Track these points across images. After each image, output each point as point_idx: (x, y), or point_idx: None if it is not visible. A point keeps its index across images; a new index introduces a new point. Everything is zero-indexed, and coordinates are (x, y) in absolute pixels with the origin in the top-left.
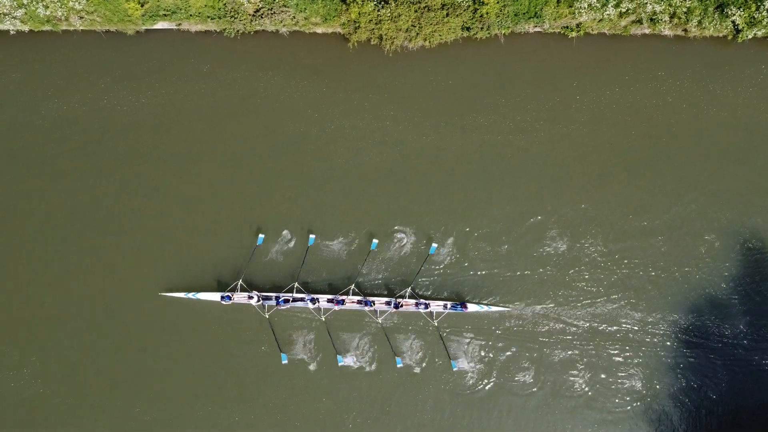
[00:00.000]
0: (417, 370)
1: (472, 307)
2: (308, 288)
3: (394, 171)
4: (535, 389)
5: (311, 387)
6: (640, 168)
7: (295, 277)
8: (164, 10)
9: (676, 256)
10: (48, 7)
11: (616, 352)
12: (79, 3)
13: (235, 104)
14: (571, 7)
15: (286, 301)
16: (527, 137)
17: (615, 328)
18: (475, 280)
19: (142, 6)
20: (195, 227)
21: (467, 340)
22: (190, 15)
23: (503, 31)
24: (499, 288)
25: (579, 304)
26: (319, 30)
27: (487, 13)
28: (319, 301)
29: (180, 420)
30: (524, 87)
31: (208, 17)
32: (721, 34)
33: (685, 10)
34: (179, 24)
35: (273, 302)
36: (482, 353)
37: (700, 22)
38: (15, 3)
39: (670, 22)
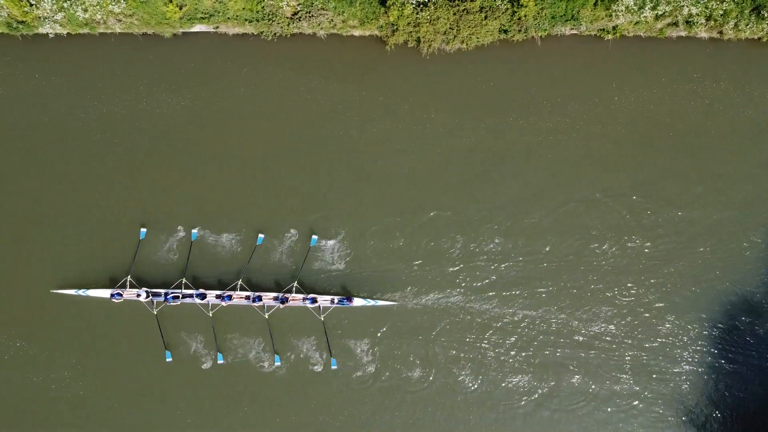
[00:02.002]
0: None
1: (357, 302)
2: (197, 283)
3: (433, 172)
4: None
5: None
6: (679, 169)
7: (183, 273)
8: (202, 13)
9: (719, 261)
10: (87, 10)
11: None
12: (118, 6)
13: (274, 107)
14: (608, 9)
15: (175, 297)
16: (567, 138)
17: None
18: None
19: (180, 9)
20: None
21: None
22: (228, 18)
23: (540, 34)
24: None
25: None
26: (356, 33)
27: (525, 16)
28: (206, 297)
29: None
30: (562, 89)
31: (246, 20)
32: (756, 36)
33: (721, 12)
34: (216, 27)
35: (161, 299)
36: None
37: (736, 24)
38: (55, 6)
39: (706, 24)
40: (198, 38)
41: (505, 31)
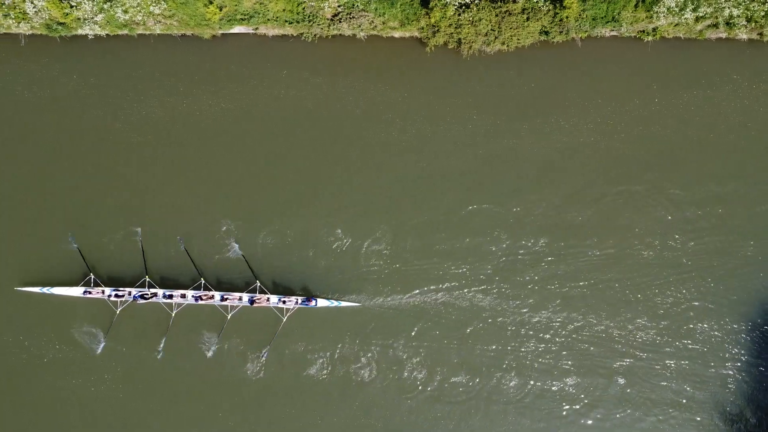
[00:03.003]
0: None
1: (321, 302)
2: (162, 283)
3: (473, 173)
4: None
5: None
6: (722, 166)
7: (147, 272)
8: (242, 14)
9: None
10: (127, 11)
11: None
12: (158, 7)
13: (314, 110)
14: (649, 11)
15: (143, 297)
16: (608, 139)
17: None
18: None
19: (220, 10)
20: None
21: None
22: (268, 19)
23: (580, 35)
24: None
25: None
26: (396, 34)
27: (567, 17)
28: (173, 296)
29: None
30: (602, 90)
31: (286, 21)
32: None
33: (762, 13)
34: (256, 28)
35: (128, 297)
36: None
37: None
38: (96, 7)
39: (747, 25)
40: (237, 39)
41: (546, 33)
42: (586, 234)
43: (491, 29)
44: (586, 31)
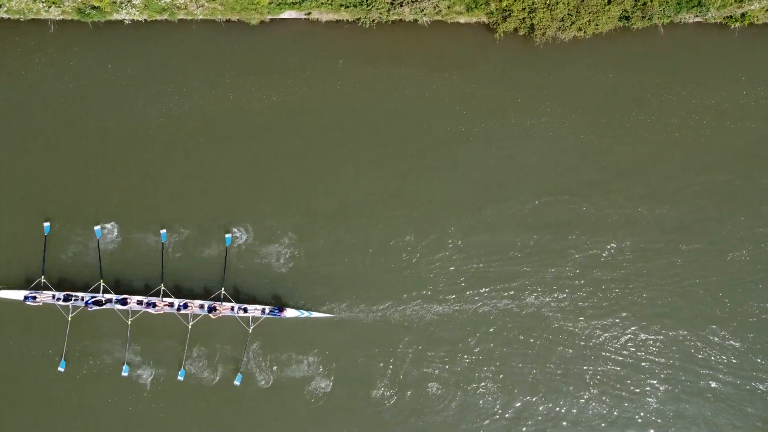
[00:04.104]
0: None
1: (290, 313)
2: (118, 288)
3: (542, 171)
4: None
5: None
6: None
7: (101, 275)
8: None
9: None
10: None
11: None
12: None
13: (374, 102)
14: None
15: (97, 303)
16: (694, 134)
17: None
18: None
19: None
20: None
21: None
22: (321, 3)
23: (663, 21)
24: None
25: None
26: (462, 20)
27: (651, 1)
28: (128, 302)
29: None
30: (687, 81)
31: (342, 6)
32: None
33: None
34: (308, 13)
35: (80, 303)
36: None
37: None
38: None
39: None
40: (287, 26)
41: (627, 18)
42: (682, 237)
43: (568, 14)
44: (669, 17)
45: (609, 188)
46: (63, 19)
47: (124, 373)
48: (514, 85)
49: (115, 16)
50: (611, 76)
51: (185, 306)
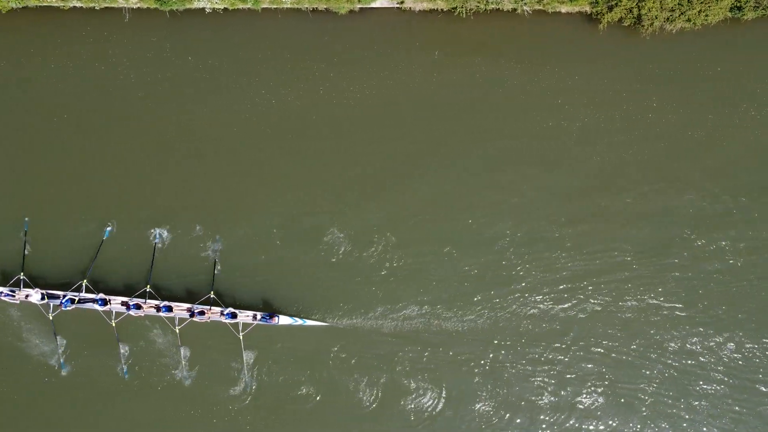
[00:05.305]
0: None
1: (284, 320)
2: (101, 288)
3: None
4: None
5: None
6: None
7: (85, 274)
8: None
9: None
10: None
11: None
12: None
13: (473, 95)
14: None
15: (72, 301)
16: None
17: None
18: None
19: None
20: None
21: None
22: None
23: None
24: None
25: None
26: (564, 9)
27: None
28: (110, 303)
29: None
30: None
31: None
32: None
33: None
34: (401, 2)
35: (58, 302)
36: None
37: None
38: None
39: None
40: (378, 15)
41: (738, 8)
42: None
43: (678, 3)
44: None
45: (715, 185)
46: (138, 8)
47: (126, 376)
48: (617, 78)
49: (195, 4)
50: (719, 70)
51: (169, 309)
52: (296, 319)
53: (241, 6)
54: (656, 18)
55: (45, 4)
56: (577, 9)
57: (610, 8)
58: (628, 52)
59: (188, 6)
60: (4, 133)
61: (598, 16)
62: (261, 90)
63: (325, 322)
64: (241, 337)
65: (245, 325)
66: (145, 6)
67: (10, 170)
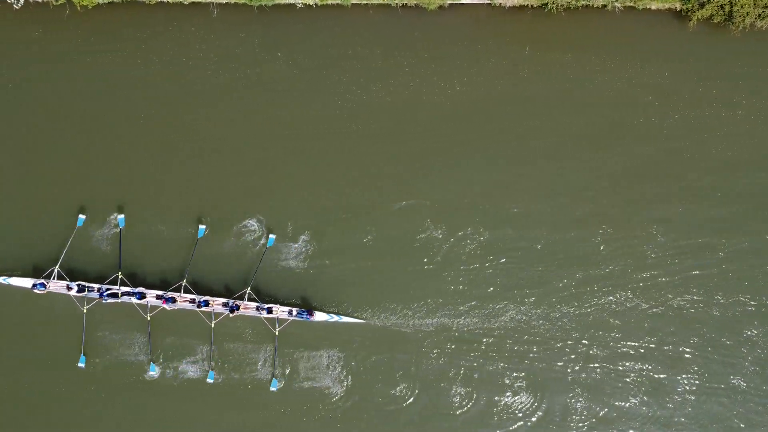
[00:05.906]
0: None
1: (319, 316)
2: (135, 281)
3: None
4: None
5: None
6: None
7: (118, 267)
8: None
9: None
10: None
11: None
12: None
13: (564, 92)
14: None
15: (113, 294)
16: None
17: None
18: None
19: None
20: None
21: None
22: None
23: None
24: None
25: None
26: (654, 6)
27: None
28: (146, 297)
29: None
30: None
31: None
32: None
33: None
34: None
35: (95, 294)
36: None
37: None
38: None
39: None
40: (468, 11)
41: None
42: None
43: None
44: None
45: None
46: (227, 3)
47: (152, 372)
48: (708, 76)
49: (285, 0)
50: None
51: (206, 303)
52: (332, 315)
53: (330, 2)
54: (748, 15)
55: None
56: (667, 6)
57: (702, 5)
58: (718, 50)
59: (277, 2)
60: (93, 125)
61: (689, 13)
62: (352, 87)
63: (361, 319)
64: (276, 333)
65: (281, 321)
66: (233, 1)
67: (103, 162)
